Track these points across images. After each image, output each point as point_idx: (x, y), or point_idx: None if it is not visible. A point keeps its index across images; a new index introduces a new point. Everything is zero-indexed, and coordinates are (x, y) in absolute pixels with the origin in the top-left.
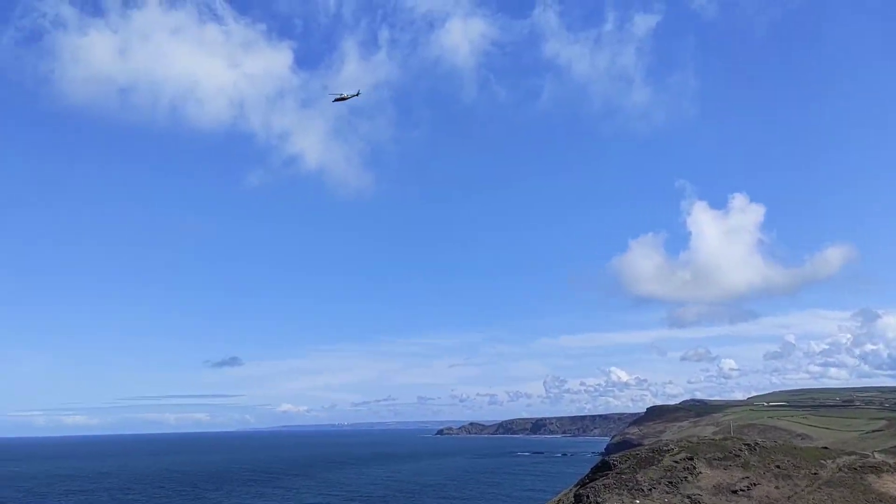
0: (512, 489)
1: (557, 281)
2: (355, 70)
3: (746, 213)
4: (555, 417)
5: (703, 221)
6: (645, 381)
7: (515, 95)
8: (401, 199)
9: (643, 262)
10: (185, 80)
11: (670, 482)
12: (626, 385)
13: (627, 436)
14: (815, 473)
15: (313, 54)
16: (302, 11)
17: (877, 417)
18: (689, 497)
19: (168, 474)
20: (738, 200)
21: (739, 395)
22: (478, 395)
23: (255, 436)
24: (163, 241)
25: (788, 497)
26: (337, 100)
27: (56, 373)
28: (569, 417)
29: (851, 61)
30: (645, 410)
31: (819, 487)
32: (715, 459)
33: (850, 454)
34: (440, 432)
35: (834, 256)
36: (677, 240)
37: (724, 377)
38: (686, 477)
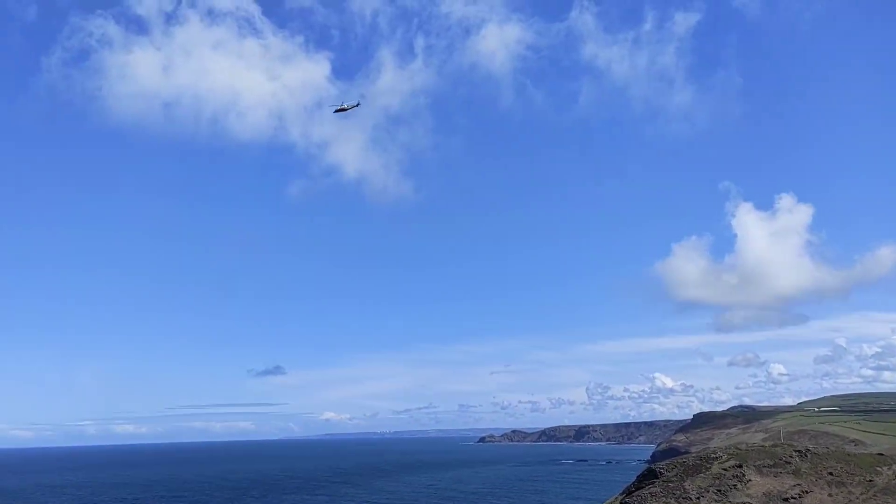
0: (556, 497)
1: (599, 287)
2: (392, 79)
3: (794, 214)
4: (598, 425)
5: (748, 223)
6: (691, 387)
7: (553, 100)
8: (439, 207)
9: (687, 266)
10: (227, 94)
11: (719, 490)
12: (672, 391)
13: (674, 443)
14: (871, 480)
15: (350, 64)
16: (338, 22)
17: None
18: None
19: (215, 482)
20: (785, 201)
21: (789, 401)
22: (519, 402)
23: (299, 444)
24: (208, 252)
25: None
26: (338, 110)
27: (106, 383)
28: (613, 425)
29: None
30: (691, 417)
31: (874, 495)
32: (765, 467)
33: None
34: (482, 440)
35: (886, 256)
36: (722, 243)
37: (774, 382)
38: (735, 485)
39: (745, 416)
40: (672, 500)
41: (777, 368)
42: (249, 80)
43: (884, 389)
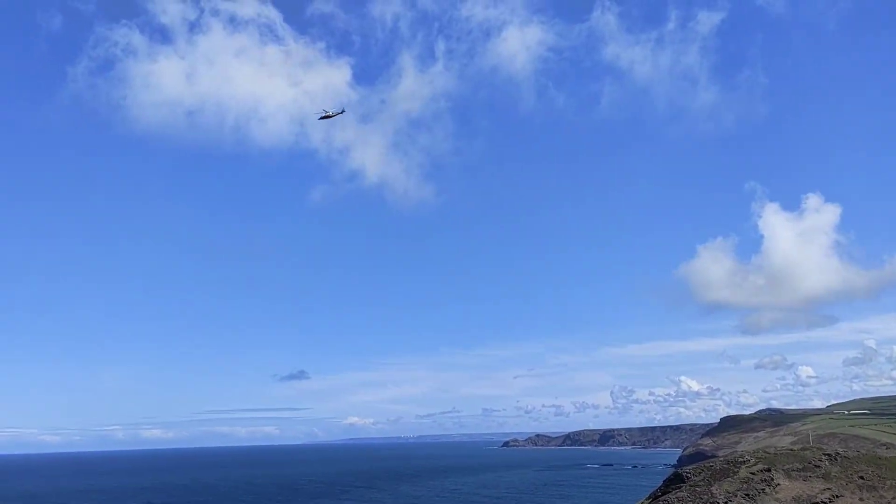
0: (582, 502)
1: (623, 289)
2: (413, 83)
3: (821, 214)
4: (623, 429)
5: (775, 224)
6: (717, 390)
7: (575, 101)
8: (461, 211)
9: (713, 267)
10: (249, 101)
11: (747, 495)
12: (698, 395)
13: (700, 447)
14: None
15: (371, 69)
16: (359, 28)
17: None
18: None
19: (241, 487)
20: (813, 201)
21: (818, 404)
22: (543, 406)
23: (323, 448)
24: (232, 259)
25: None
26: (323, 118)
27: (134, 388)
28: (638, 429)
29: None
30: (718, 421)
31: None
32: (794, 471)
33: None
34: (506, 444)
35: None
36: (748, 244)
37: (802, 385)
38: (764, 489)
39: (773, 419)
40: None
41: (805, 371)
42: (271, 86)
43: None
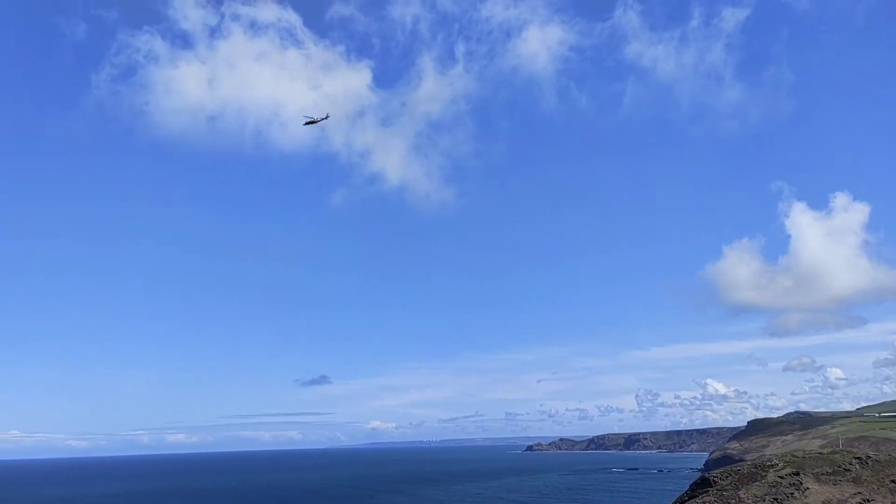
0: None
1: (647, 292)
2: (433, 85)
3: (850, 213)
4: (649, 432)
5: (802, 223)
6: (744, 393)
7: (597, 101)
8: (483, 213)
9: (739, 268)
10: (270, 105)
11: (776, 499)
12: (725, 398)
13: (728, 451)
14: None
15: (391, 72)
16: (379, 30)
17: None
18: None
19: (265, 491)
20: (841, 200)
21: (848, 406)
22: (567, 409)
23: (346, 453)
24: (254, 263)
25: None
26: (308, 123)
27: (159, 394)
28: (664, 432)
29: None
30: (746, 424)
31: None
32: (823, 474)
33: None
34: (529, 448)
35: None
36: (775, 244)
37: (831, 387)
38: (793, 493)
39: (802, 422)
40: None
41: (834, 373)
42: (292, 90)
43: None
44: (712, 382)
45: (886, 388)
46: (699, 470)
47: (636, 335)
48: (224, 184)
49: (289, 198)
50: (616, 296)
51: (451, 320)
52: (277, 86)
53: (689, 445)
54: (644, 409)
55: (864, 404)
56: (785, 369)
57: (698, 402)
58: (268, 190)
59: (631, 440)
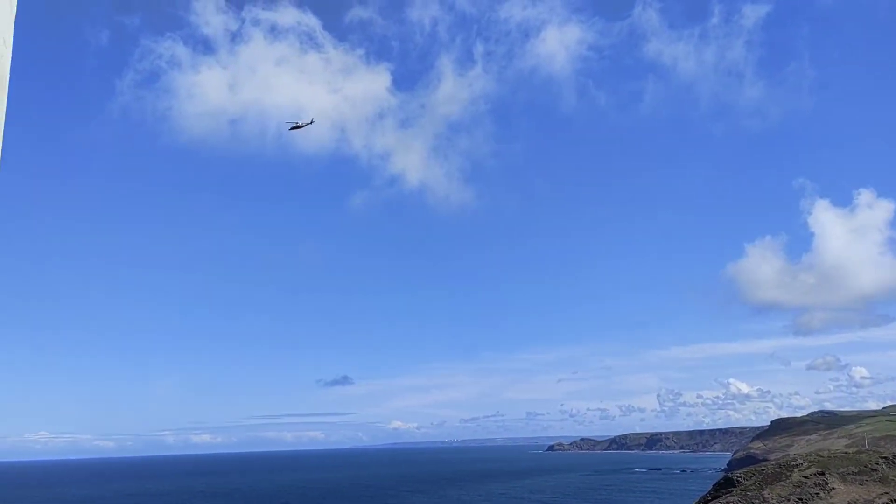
0: None
1: (668, 291)
2: (452, 86)
3: (874, 210)
4: (671, 432)
5: (825, 221)
6: (768, 392)
7: (616, 100)
8: (502, 214)
9: (762, 267)
10: (290, 108)
11: (800, 499)
12: (748, 397)
13: (751, 451)
14: None
15: (410, 74)
16: (398, 33)
17: None
18: None
19: (289, 491)
20: (865, 196)
21: (873, 405)
22: (588, 409)
23: (367, 453)
24: (276, 265)
25: None
26: (293, 128)
27: (184, 395)
28: (686, 432)
29: None
30: (769, 424)
31: None
32: (849, 474)
33: None
34: (551, 448)
35: None
36: (798, 242)
37: (856, 386)
38: (818, 493)
39: (827, 421)
40: None
41: (859, 371)
42: (312, 93)
43: None
44: (735, 382)
45: None
46: (722, 470)
47: (657, 334)
48: (246, 187)
49: (310, 200)
50: (637, 295)
51: (471, 320)
52: (298, 89)
53: (712, 445)
54: (666, 408)
55: (890, 403)
56: (809, 368)
57: (721, 402)
58: (289, 192)
59: (653, 440)
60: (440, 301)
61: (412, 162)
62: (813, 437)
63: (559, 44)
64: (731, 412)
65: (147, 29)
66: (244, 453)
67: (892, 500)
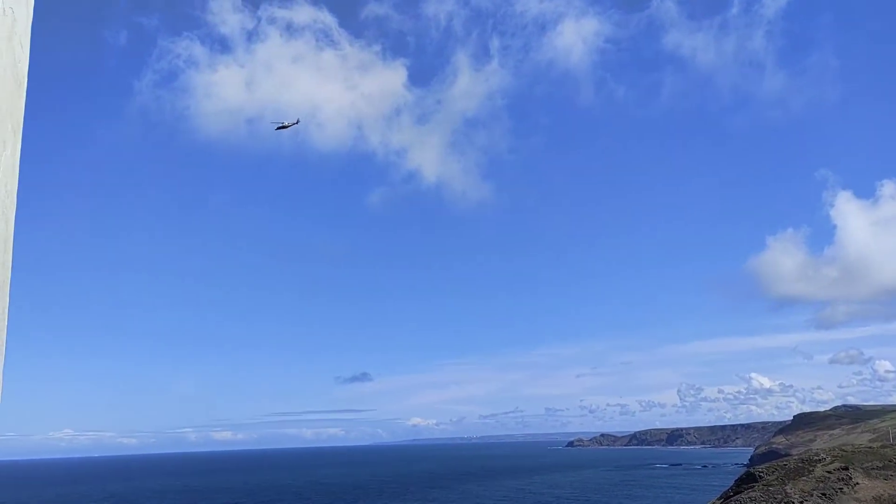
0: (653, 501)
1: (689, 285)
2: (468, 82)
3: None
4: (692, 427)
5: (848, 213)
6: (790, 387)
7: (635, 93)
8: (520, 209)
9: (784, 260)
10: (307, 106)
11: (824, 494)
12: (770, 392)
13: (773, 446)
14: None
15: (426, 70)
16: (414, 28)
17: None
18: None
19: (310, 487)
20: (888, 187)
21: None
22: (607, 405)
23: (387, 449)
24: (294, 263)
25: None
26: (279, 128)
27: (205, 391)
28: (707, 427)
29: None
30: (791, 418)
31: None
32: (874, 469)
33: None
34: (570, 444)
35: None
36: (821, 234)
37: (880, 380)
38: (841, 488)
39: (850, 415)
40: None
41: (883, 365)
42: (328, 91)
43: None
44: (757, 376)
45: None
46: (744, 465)
47: (677, 329)
48: (263, 185)
49: (327, 197)
50: (656, 290)
51: (490, 317)
52: (314, 87)
53: (734, 440)
54: (687, 403)
55: None
56: (832, 362)
57: (742, 397)
58: (306, 190)
59: (674, 435)
60: (459, 297)
61: (429, 158)
62: (836, 431)
63: (576, 36)
64: (752, 407)
65: (164, 29)
66: (264, 450)
67: None
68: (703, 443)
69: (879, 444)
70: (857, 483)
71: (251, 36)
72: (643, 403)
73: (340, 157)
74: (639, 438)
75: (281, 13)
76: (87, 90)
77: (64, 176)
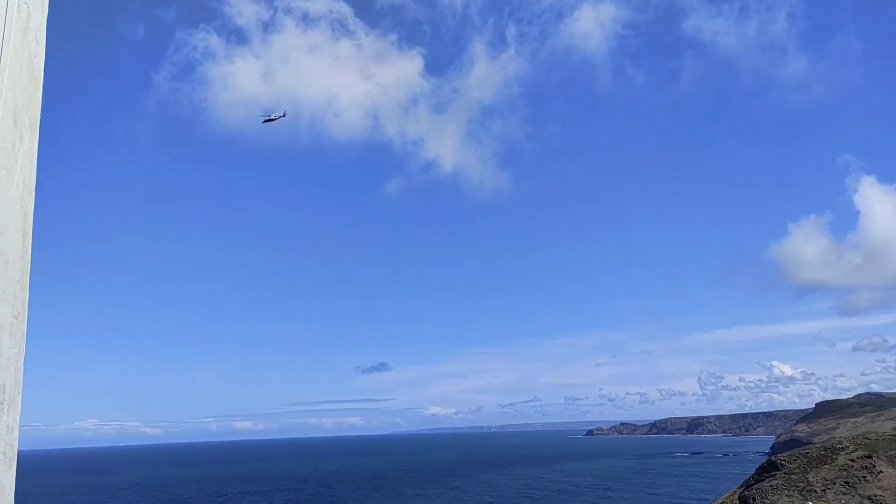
0: (673, 490)
1: (708, 273)
2: (485, 70)
3: None
4: (713, 416)
5: (872, 198)
6: (812, 374)
7: (654, 79)
8: (539, 197)
9: (806, 246)
10: (323, 96)
11: (847, 482)
12: (791, 379)
13: (795, 434)
14: None
15: (443, 58)
16: (430, 17)
17: None
18: (869, 498)
19: (332, 476)
20: None
21: None
22: (627, 394)
23: (406, 438)
24: (313, 254)
25: None
26: (266, 121)
27: (227, 383)
28: (728, 416)
29: None
30: (813, 406)
31: None
32: None
33: None
34: (590, 433)
35: None
36: (844, 220)
37: None
38: (865, 476)
39: (874, 403)
40: (795, 493)
41: None
42: (345, 81)
43: None
44: (778, 364)
45: None
46: (766, 453)
47: (697, 317)
48: (281, 175)
49: (344, 188)
50: (676, 278)
51: (507, 305)
52: (331, 77)
53: (755, 429)
54: (707, 392)
55: None
56: (854, 349)
57: (764, 385)
58: (324, 180)
59: (694, 424)
60: (476, 287)
61: (446, 147)
62: (859, 419)
63: (594, 22)
64: (774, 395)
65: (182, 21)
66: (285, 439)
67: None
68: (723, 431)
69: None
70: (881, 471)
71: (267, 27)
72: (663, 392)
73: (357, 148)
74: (659, 427)
75: (297, 3)
76: (106, 84)
77: (82, 171)
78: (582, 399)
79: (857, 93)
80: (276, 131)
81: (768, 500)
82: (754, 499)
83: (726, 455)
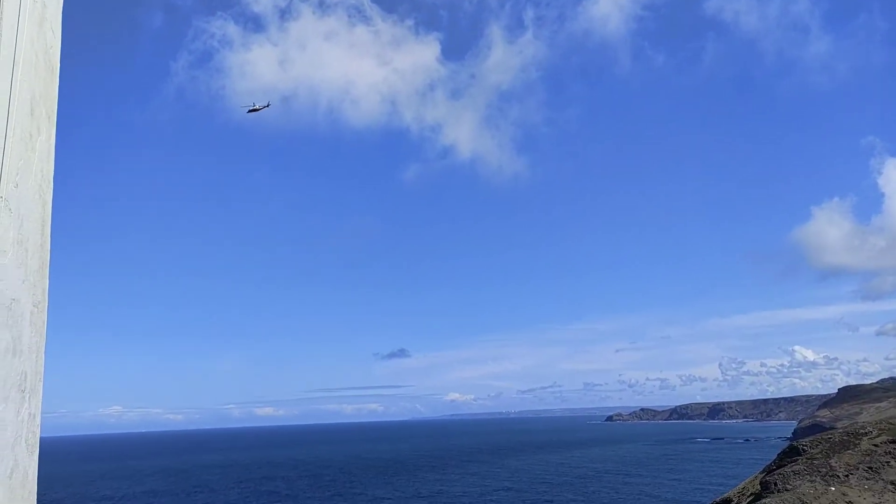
0: (694, 475)
1: (730, 257)
2: (502, 54)
3: None
4: (734, 401)
5: None
6: (835, 359)
7: (674, 61)
8: (557, 182)
9: (829, 230)
10: (340, 83)
11: (870, 468)
12: (814, 364)
13: (818, 419)
14: None
15: (460, 44)
16: (446, 1)
17: None
18: (892, 483)
19: (353, 461)
20: None
21: None
22: (647, 379)
23: (426, 424)
24: (333, 241)
25: None
26: (250, 111)
27: (248, 369)
28: (750, 401)
29: None
30: (836, 391)
31: None
32: None
33: None
34: (609, 419)
35: None
36: (868, 203)
37: None
38: (889, 462)
39: None
40: (818, 478)
41: None
42: (362, 67)
43: None
44: (800, 349)
45: None
46: (787, 439)
47: (718, 302)
48: (299, 163)
49: (362, 174)
50: (696, 263)
51: (526, 291)
52: (347, 63)
53: (777, 414)
54: (728, 377)
55: None
56: (878, 334)
57: (786, 370)
58: (341, 167)
59: (715, 409)
60: (496, 272)
61: (463, 133)
62: (883, 404)
63: (612, 4)
64: (796, 380)
65: (199, 9)
66: (306, 425)
67: None
68: (745, 417)
69: None
70: None
71: (284, 14)
72: (683, 378)
73: (375, 134)
74: (679, 413)
75: None
76: (125, 73)
77: (101, 159)
78: (601, 385)
79: (882, 73)
80: (294, 119)
81: (790, 485)
82: (776, 484)
83: (747, 440)
